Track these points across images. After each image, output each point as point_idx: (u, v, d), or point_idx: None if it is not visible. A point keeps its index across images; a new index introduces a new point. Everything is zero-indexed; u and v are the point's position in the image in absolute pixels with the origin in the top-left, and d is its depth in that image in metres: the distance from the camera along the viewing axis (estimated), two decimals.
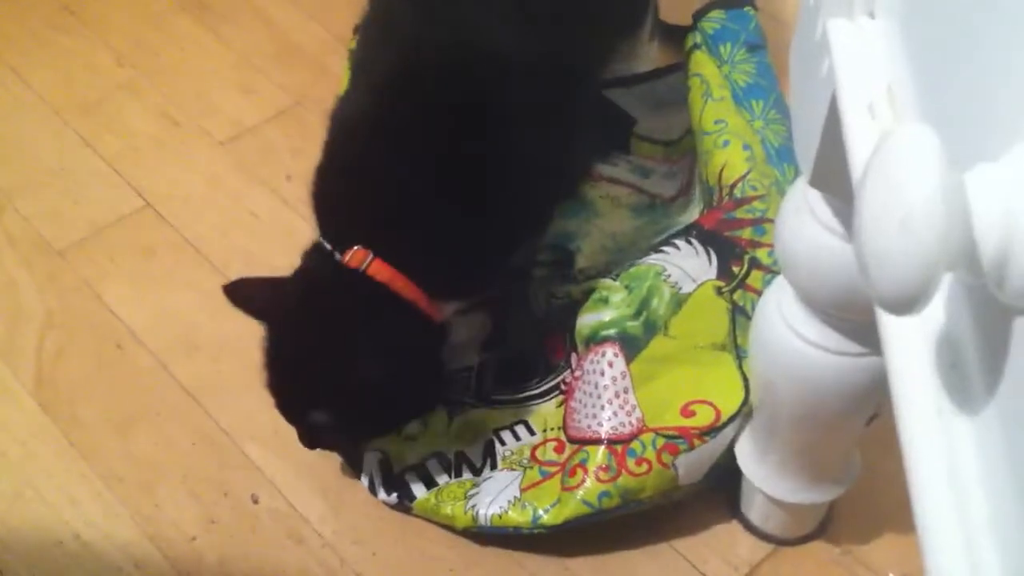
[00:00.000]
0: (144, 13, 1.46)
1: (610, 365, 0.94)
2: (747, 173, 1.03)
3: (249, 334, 1.11)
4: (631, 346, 0.95)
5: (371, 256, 0.89)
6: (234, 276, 1.15)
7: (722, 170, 1.05)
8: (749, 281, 0.97)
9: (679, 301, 0.96)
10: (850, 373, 0.77)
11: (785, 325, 0.77)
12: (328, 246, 0.91)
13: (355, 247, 0.89)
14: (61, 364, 1.09)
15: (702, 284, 0.97)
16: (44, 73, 1.38)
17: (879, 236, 0.34)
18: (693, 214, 1.11)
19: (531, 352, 1.04)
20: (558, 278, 1.08)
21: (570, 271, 1.09)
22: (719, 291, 0.96)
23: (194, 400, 1.06)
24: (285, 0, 1.47)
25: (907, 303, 0.36)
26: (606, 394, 0.93)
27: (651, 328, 0.96)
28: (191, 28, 1.44)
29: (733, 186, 1.03)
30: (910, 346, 0.45)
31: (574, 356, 0.99)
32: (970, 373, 0.42)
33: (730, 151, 1.06)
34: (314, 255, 0.93)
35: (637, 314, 0.96)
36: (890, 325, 0.46)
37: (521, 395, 1.02)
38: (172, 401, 1.07)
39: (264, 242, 1.19)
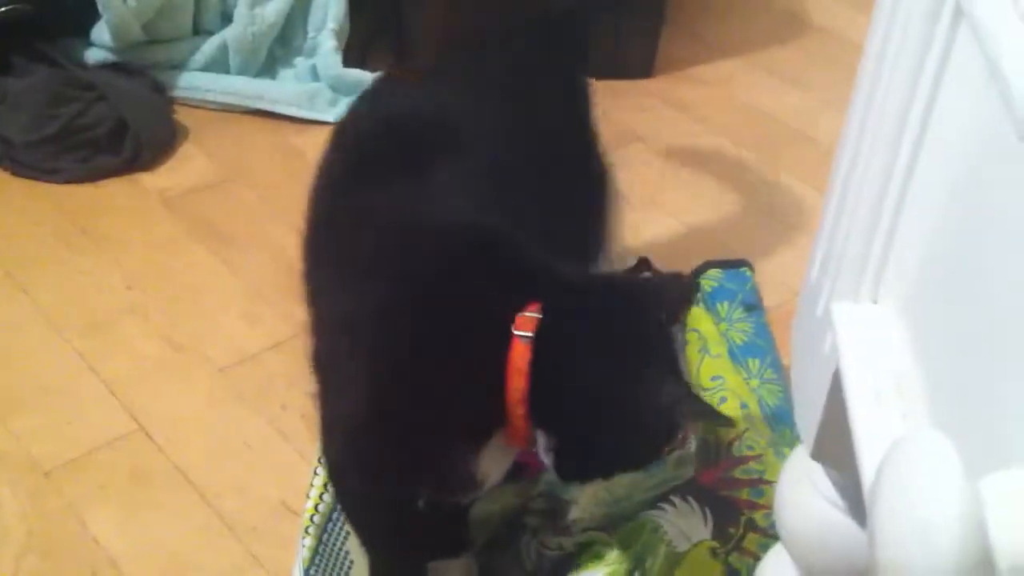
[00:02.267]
0: (158, 238, 1.50)
1: None
2: (744, 432, 1.04)
3: (233, 568, 1.09)
4: None
5: None
6: (221, 507, 1.14)
7: (718, 427, 1.05)
8: (745, 544, 0.96)
9: (673, 561, 0.95)
10: None
11: None
12: None
13: None
14: None
15: (697, 544, 0.96)
16: (53, 292, 1.40)
17: (897, 546, 0.34)
18: (688, 470, 1.10)
19: None
20: (551, 528, 1.07)
21: (563, 522, 1.07)
22: (714, 553, 0.95)
23: None
24: (296, 231, 1.50)
25: None
26: None
27: None
28: (202, 255, 1.47)
29: (730, 444, 1.03)
30: None
31: None
32: None
33: (727, 409, 1.06)
34: None
35: (631, 572, 0.94)
36: None
37: None
38: None
39: (256, 473, 1.18)
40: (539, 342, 0.82)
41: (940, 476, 0.33)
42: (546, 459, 0.84)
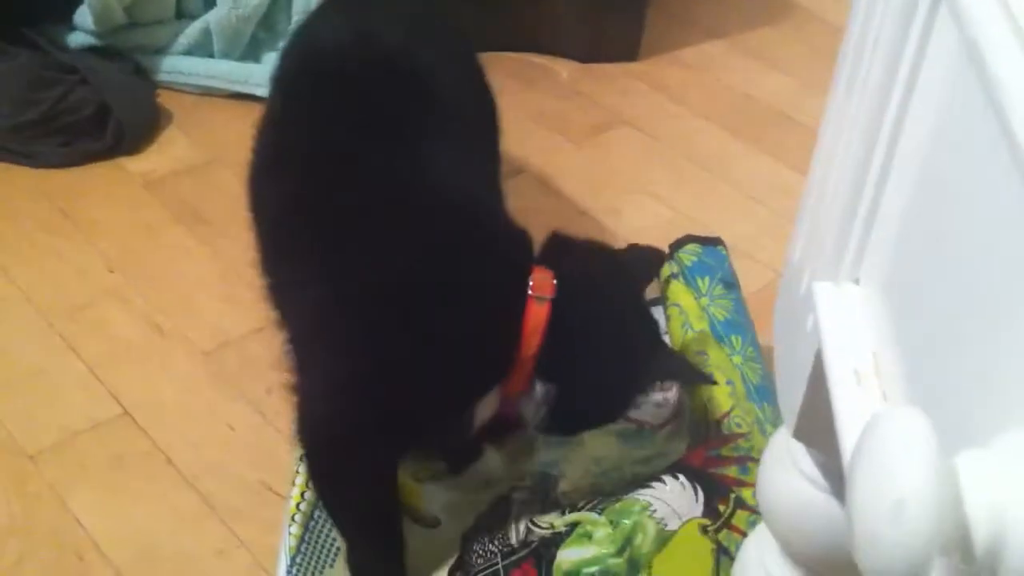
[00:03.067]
0: (139, 221, 1.49)
1: None
2: (731, 409, 1.04)
3: (215, 550, 1.09)
4: None
5: None
6: (204, 489, 1.14)
7: (707, 404, 1.06)
8: (734, 521, 0.96)
9: (664, 539, 0.95)
10: None
11: None
12: None
13: None
14: (18, 573, 1.06)
15: (687, 522, 0.97)
16: (33, 275, 1.39)
17: (872, 520, 0.34)
18: (680, 446, 1.10)
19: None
20: (539, 503, 1.07)
21: (552, 494, 1.07)
22: (704, 530, 0.96)
23: None
24: None
25: None
26: None
27: (635, 566, 0.94)
28: (183, 238, 1.47)
29: (719, 422, 1.03)
30: None
31: None
32: None
33: (713, 386, 1.07)
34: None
35: (620, 551, 0.95)
36: None
37: None
38: None
39: (238, 456, 1.18)
40: (553, 303, 0.91)
41: (915, 451, 0.34)
42: (533, 413, 0.93)
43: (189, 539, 1.10)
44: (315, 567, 1.00)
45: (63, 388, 1.25)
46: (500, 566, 0.99)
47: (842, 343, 0.54)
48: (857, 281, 0.58)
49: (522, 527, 1.04)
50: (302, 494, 1.02)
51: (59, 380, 1.26)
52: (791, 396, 0.68)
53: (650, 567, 0.94)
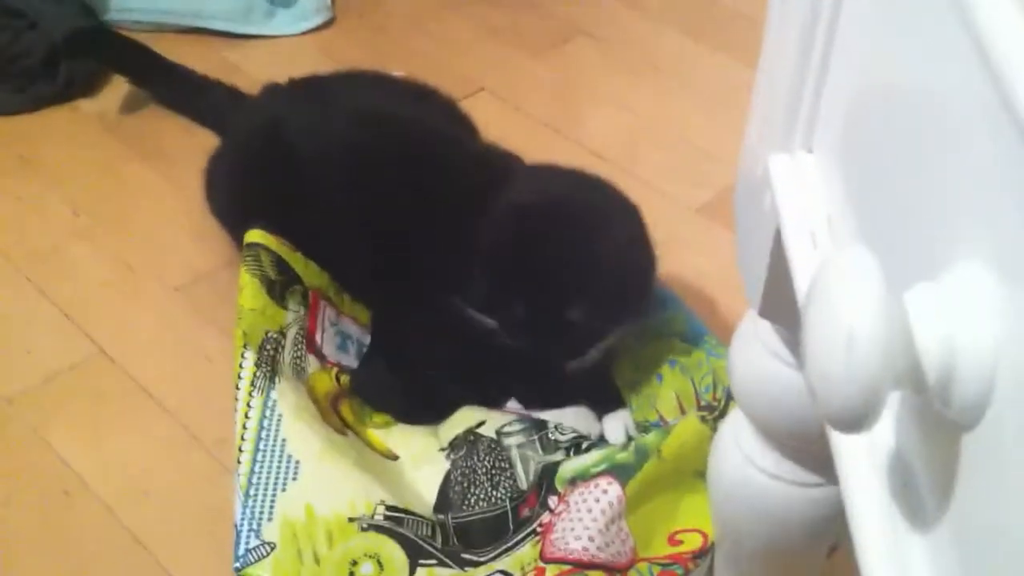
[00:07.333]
0: (100, 161, 1.48)
1: (604, 492, 0.94)
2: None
3: (202, 479, 1.10)
4: (624, 473, 0.95)
5: None
6: (186, 420, 1.15)
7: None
8: (729, 409, 0.98)
9: (667, 431, 0.97)
10: (808, 504, 0.77)
11: (742, 456, 0.77)
12: None
13: None
14: (5, 514, 1.06)
15: (687, 416, 0.99)
16: None
17: (824, 357, 0.35)
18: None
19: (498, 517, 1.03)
20: (537, 442, 1.06)
21: (545, 431, 1.07)
22: (703, 419, 0.97)
23: (145, 550, 1.04)
24: None
25: (855, 421, 0.36)
26: (602, 519, 0.93)
27: (643, 454, 0.96)
28: (146, 175, 1.45)
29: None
30: (863, 468, 0.46)
31: (552, 498, 0.98)
32: (922, 492, 0.42)
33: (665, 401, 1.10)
34: None
35: (625, 446, 0.97)
36: (843, 448, 0.47)
37: (494, 552, 0.98)
38: (122, 551, 1.04)
39: (218, 385, 1.18)
40: None
41: (862, 287, 0.34)
42: None
43: (176, 470, 1.11)
44: (270, 491, 0.97)
45: (37, 332, 1.25)
46: (508, 508, 1.01)
47: (798, 211, 0.55)
48: (811, 150, 0.58)
49: (531, 471, 1.04)
50: (244, 424, 1.00)
51: (32, 324, 1.26)
52: (755, 277, 0.68)
53: (659, 452, 0.95)
